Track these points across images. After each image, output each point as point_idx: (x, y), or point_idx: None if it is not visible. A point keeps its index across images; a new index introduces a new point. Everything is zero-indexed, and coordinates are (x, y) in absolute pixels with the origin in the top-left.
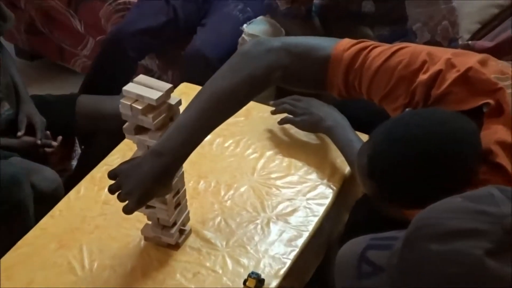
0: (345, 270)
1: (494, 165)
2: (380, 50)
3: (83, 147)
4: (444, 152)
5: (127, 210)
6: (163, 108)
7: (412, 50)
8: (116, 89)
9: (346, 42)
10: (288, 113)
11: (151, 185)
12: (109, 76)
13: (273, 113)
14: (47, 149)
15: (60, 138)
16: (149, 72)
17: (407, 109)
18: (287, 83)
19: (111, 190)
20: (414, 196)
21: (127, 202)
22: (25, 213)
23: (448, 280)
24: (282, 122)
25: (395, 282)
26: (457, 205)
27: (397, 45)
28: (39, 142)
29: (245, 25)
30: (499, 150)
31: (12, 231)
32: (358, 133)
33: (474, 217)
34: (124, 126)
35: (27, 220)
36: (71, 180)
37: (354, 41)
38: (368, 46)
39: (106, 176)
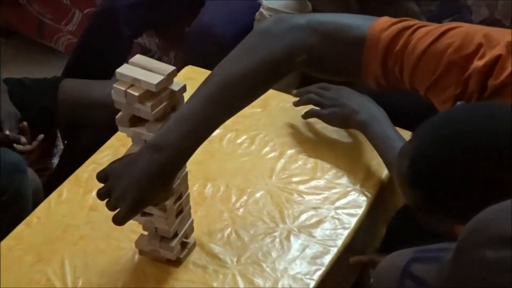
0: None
1: None
2: (426, 31)
3: (66, 141)
4: (500, 154)
5: (118, 219)
6: (164, 95)
7: (466, 31)
8: (107, 73)
9: (385, 20)
10: (314, 104)
11: (147, 187)
12: (99, 56)
13: (296, 104)
14: (18, 147)
15: (41, 136)
16: (147, 52)
17: (458, 102)
18: (312, 68)
19: (100, 195)
20: (465, 206)
21: (118, 210)
22: (25, 206)
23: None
24: (307, 115)
25: None
26: (504, 209)
27: (446, 25)
28: (7, 133)
29: None
30: None
31: (9, 224)
32: (398, 129)
33: None
34: (117, 116)
35: (24, 215)
36: (52, 180)
37: (395, 19)
38: (412, 26)
39: (94, 176)
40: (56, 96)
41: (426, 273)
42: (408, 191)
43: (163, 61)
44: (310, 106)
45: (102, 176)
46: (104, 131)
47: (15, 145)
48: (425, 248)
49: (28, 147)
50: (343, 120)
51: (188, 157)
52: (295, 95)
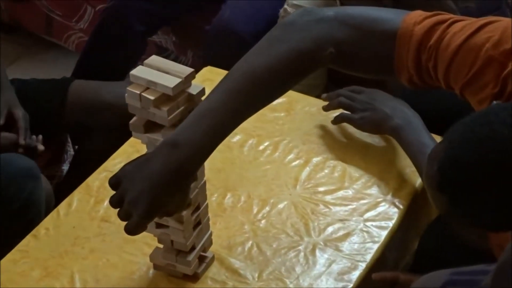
0: None
1: None
2: (462, 25)
3: (76, 147)
4: None
5: (130, 228)
6: (181, 98)
7: (505, 25)
8: (120, 72)
9: (419, 14)
10: (345, 108)
11: (163, 189)
12: (111, 55)
13: (325, 109)
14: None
15: (40, 137)
16: (163, 52)
17: (494, 102)
18: (340, 64)
19: (112, 202)
20: (498, 214)
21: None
22: (37, 216)
23: None
24: (337, 120)
25: None
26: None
27: (484, 19)
28: (22, 142)
29: None
30: None
31: (20, 235)
32: (434, 135)
33: None
34: (131, 121)
35: (36, 225)
36: (61, 189)
37: (428, 13)
38: (447, 20)
39: (106, 185)
40: (65, 98)
41: None
42: (437, 197)
43: (180, 61)
44: (340, 111)
45: (114, 182)
46: (116, 137)
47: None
48: (461, 271)
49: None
50: (375, 125)
51: (207, 155)
52: (324, 99)
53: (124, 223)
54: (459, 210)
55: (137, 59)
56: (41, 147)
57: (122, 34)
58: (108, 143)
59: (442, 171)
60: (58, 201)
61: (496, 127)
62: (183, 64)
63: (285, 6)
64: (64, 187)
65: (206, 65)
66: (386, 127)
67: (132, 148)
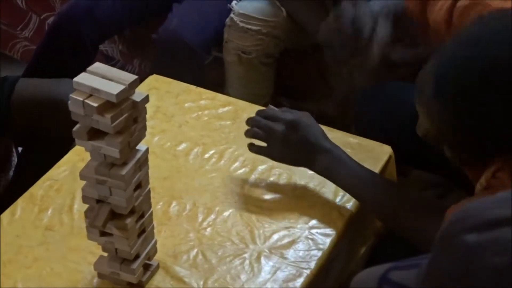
0: None
1: None
2: None
3: (20, 152)
4: None
5: None
6: (125, 106)
7: None
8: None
9: None
10: (260, 140)
11: None
12: (59, 65)
13: (245, 135)
14: None
15: None
16: (110, 61)
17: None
18: None
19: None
20: (492, 123)
21: None
22: None
23: (490, 273)
24: (251, 150)
25: None
26: (496, 196)
27: None
28: None
29: (234, 2)
30: None
31: None
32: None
33: (508, 205)
34: (74, 128)
35: None
36: (5, 198)
37: None
38: None
39: (50, 193)
40: (10, 96)
41: (406, 279)
42: (431, 109)
43: (127, 70)
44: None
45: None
46: (66, 135)
47: None
48: (405, 260)
49: None
50: (295, 164)
51: None
52: (246, 123)
53: (67, 233)
54: (453, 116)
55: (86, 67)
56: None
57: (73, 42)
58: (52, 148)
59: (438, 75)
60: (2, 209)
61: (487, 31)
62: (129, 72)
63: (231, 15)
64: (8, 196)
65: (153, 73)
66: (311, 169)
67: (77, 157)
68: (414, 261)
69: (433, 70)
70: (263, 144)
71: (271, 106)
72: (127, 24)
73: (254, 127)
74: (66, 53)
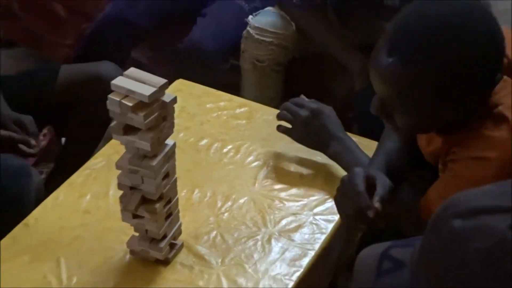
0: (364, 272)
1: (499, 118)
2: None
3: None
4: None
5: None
6: (156, 105)
7: None
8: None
9: None
10: (286, 121)
11: None
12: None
13: (277, 118)
14: (24, 148)
15: (43, 143)
16: (139, 66)
17: None
18: None
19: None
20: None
21: None
22: (27, 209)
23: (472, 256)
24: (279, 130)
25: (416, 273)
26: (483, 188)
27: None
28: (34, 143)
29: (250, 17)
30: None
31: (9, 225)
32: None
33: (499, 197)
34: (111, 125)
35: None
36: (49, 184)
37: None
38: None
39: (89, 181)
40: (55, 78)
41: (403, 255)
42: (387, 70)
43: (154, 74)
44: None
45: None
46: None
47: (20, 146)
48: (405, 239)
49: (33, 150)
50: (311, 146)
51: None
52: (279, 108)
53: (103, 215)
54: (408, 71)
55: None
56: (33, 141)
57: (106, 51)
58: (93, 121)
59: (393, 35)
60: (46, 194)
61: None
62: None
63: (248, 28)
64: (52, 182)
65: (177, 78)
66: (323, 152)
67: (112, 149)
68: (413, 241)
69: (389, 35)
70: (289, 126)
71: (302, 96)
72: (155, 33)
73: (284, 110)
74: (101, 56)
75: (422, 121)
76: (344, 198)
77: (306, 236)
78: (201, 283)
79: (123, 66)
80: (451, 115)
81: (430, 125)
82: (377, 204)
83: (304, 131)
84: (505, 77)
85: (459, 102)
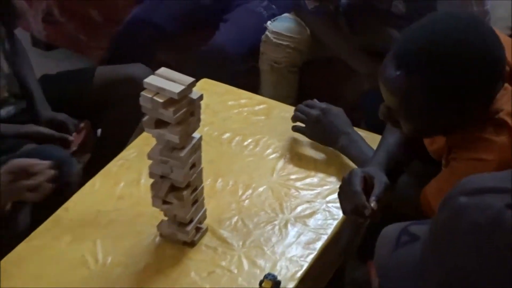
0: (385, 245)
1: (500, 124)
2: None
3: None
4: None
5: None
6: (184, 102)
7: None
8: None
9: None
10: (300, 121)
11: None
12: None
13: (291, 119)
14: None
15: (80, 138)
16: (167, 68)
17: None
18: None
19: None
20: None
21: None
22: (69, 193)
23: (466, 228)
24: (293, 130)
25: (425, 244)
26: (493, 173)
27: None
28: (72, 139)
29: (269, 22)
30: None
31: (53, 209)
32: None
33: (502, 180)
34: (144, 119)
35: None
36: (86, 172)
37: None
38: None
39: (122, 171)
40: (92, 78)
41: (420, 230)
42: (395, 80)
43: None
44: None
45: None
46: (134, 107)
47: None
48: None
49: (71, 147)
50: (322, 142)
51: None
52: (294, 110)
53: (135, 200)
54: (414, 82)
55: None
56: (70, 138)
57: (133, 52)
58: (126, 116)
59: (401, 51)
60: (83, 182)
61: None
62: None
63: (267, 32)
64: (89, 171)
65: (201, 78)
66: (333, 146)
67: (144, 141)
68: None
69: (396, 50)
70: (303, 125)
71: (315, 100)
72: (181, 37)
73: (297, 112)
74: (129, 56)
75: (426, 128)
76: (343, 196)
77: (320, 222)
78: (223, 263)
79: (149, 67)
80: (454, 122)
81: (434, 131)
82: (373, 204)
83: (314, 128)
84: (506, 84)
85: (461, 111)
